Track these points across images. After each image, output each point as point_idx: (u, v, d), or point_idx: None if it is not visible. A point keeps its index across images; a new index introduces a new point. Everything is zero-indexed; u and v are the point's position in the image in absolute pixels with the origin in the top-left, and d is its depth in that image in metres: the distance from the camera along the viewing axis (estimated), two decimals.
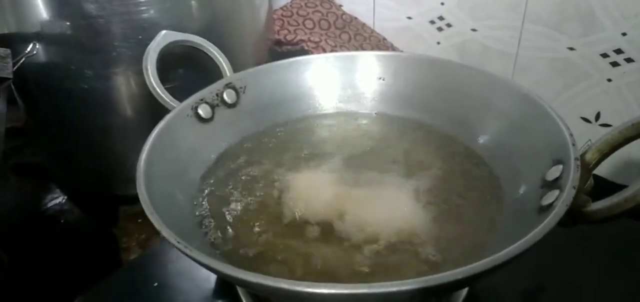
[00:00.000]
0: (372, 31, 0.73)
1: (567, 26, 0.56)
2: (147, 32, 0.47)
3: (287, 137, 0.47)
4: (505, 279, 0.35)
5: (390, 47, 0.71)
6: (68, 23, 0.47)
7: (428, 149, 0.44)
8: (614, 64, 0.54)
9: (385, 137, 0.46)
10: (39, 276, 0.49)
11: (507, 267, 0.26)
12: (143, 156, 0.36)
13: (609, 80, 0.55)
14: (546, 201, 0.32)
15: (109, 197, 0.57)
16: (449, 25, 0.66)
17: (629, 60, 0.53)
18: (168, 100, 0.44)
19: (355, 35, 0.71)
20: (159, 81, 0.45)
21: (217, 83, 0.47)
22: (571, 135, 0.34)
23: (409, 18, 0.69)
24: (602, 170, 0.52)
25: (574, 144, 0.33)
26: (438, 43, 0.68)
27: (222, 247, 0.35)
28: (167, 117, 0.41)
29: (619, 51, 0.53)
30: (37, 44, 0.48)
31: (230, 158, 0.44)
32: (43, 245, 0.54)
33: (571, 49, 0.57)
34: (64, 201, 0.60)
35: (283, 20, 0.70)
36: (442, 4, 0.65)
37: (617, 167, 0.55)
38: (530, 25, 0.59)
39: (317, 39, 0.67)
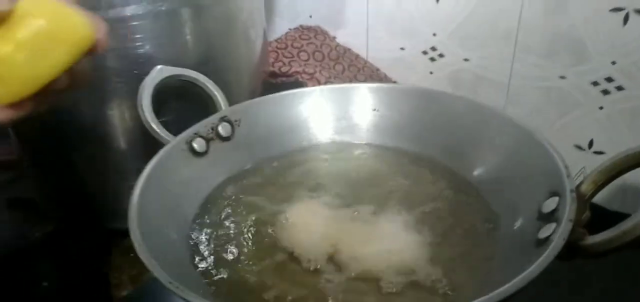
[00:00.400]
0: (366, 62, 0.73)
1: (557, 55, 0.57)
2: (143, 67, 0.47)
3: (282, 170, 0.47)
4: None
5: (384, 78, 0.72)
6: None
7: (423, 182, 0.44)
8: (605, 92, 0.55)
9: (381, 169, 0.46)
10: None
11: None
12: (136, 191, 0.36)
13: (601, 107, 0.56)
14: (543, 234, 0.32)
15: (101, 231, 0.57)
16: (441, 55, 0.67)
17: (619, 88, 0.54)
18: (163, 135, 0.44)
19: (349, 66, 0.72)
20: (153, 116, 0.45)
21: (212, 117, 0.47)
22: (566, 166, 0.34)
23: (402, 49, 0.70)
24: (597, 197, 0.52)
25: (569, 176, 0.33)
26: (431, 73, 0.68)
27: (217, 286, 0.34)
28: (161, 151, 0.41)
29: (609, 79, 0.54)
30: None
31: (225, 192, 0.44)
32: (32, 278, 0.52)
33: (562, 77, 0.57)
34: (54, 232, 0.59)
35: (278, 52, 0.70)
36: (435, 35, 0.66)
37: (613, 194, 0.55)
38: (522, 54, 0.59)
39: (311, 71, 0.67)
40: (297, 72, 0.67)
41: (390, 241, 0.36)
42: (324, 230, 0.38)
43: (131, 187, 0.36)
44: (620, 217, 0.30)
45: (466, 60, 0.64)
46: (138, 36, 0.47)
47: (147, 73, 0.46)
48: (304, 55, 0.71)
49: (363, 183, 0.44)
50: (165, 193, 0.39)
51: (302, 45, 0.72)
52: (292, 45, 0.71)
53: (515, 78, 0.61)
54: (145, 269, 0.29)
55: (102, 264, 0.54)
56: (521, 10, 0.58)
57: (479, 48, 0.63)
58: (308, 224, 0.38)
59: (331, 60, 0.72)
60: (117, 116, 0.49)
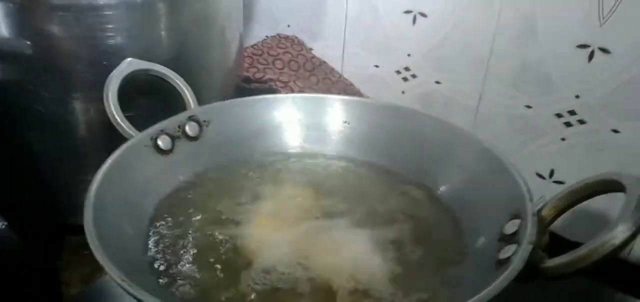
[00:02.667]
0: (340, 76, 0.74)
1: (525, 85, 0.58)
2: (112, 58, 0.45)
3: (248, 174, 0.46)
4: None
5: (357, 93, 0.73)
6: (29, 42, 0.45)
7: (389, 196, 0.44)
8: (568, 124, 0.57)
9: (348, 181, 0.46)
10: None
11: None
12: (94, 185, 0.34)
13: (563, 139, 0.58)
14: (504, 255, 0.32)
15: (54, 226, 0.54)
16: (414, 76, 0.68)
17: (581, 121, 0.56)
18: (127, 129, 0.43)
19: (323, 79, 0.72)
20: (119, 109, 0.43)
21: (180, 115, 0.46)
22: (529, 190, 0.35)
23: (376, 66, 0.71)
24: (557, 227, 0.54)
25: (531, 200, 0.34)
26: (403, 92, 0.69)
27: (172, 288, 0.33)
28: (124, 146, 0.40)
29: (572, 112, 0.56)
30: None
31: (188, 193, 0.43)
32: None
33: (528, 107, 0.59)
34: (3, 227, 0.56)
35: (253, 58, 0.70)
36: (409, 55, 0.67)
37: (575, 225, 0.57)
38: (492, 81, 0.61)
39: (286, 79, 0.67)
40: (271, 80, 0.66)
41: (351, 254, 0.36)
42: (285, 237, 0.37)
43: (90, 181, 0.35)
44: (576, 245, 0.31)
45: (438, 82, 0.66)
46: (110, 26, 0.46)
47: (116, 65, 0.45)
48: (279, 64, 0.70)
49: (328, 193, 0.44)
50: (125, 189, 0.38)
51: (278, 54, 0.71)
52: (268, 53, 0.71)
53: (483, 103, 0.62)
54: (98, 268, 0.28)
55: (52, 261, 0.52)
56: (493, 38, 0.59)
57: (451, 71, 0.64)
58: (269, 230, 0.38)
59: (306, 71, 0.72)
60: (80, 106, 0.47)
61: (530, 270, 0.30)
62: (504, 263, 0.31)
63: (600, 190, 0.31)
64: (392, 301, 0.33)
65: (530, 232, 0.31)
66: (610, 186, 0.30)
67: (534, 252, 0.30)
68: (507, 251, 0.32)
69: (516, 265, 0.29)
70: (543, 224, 0.33)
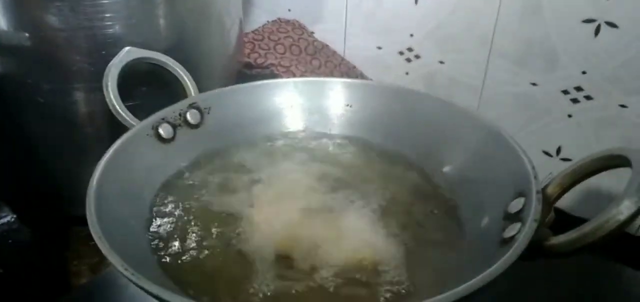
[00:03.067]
0: (343, 59, 0.73)
1: (530, 62, 0.58)
2: (111, 48, 0.45)
3: (250, 160, 0.46)
4: None
5: (360, 75, 0.72)
6: (27, 34, 0.45)
7: (393, 176, 0.43)
8: (574, 101, 0.56)
9: (350, 163, 0.46)
10: None
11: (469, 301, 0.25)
12: (95, 175, 0.34)
13: (570, 116, 0.57)
14: (508, 234, 0.32)
15: (61, 218, 0.54)
16: (417, 56, 0.67)
17: (588, 97, 0.55)
18: (128, 119, 0.43)
19: (325, 62, 0.71)
20: (119, 98, 0.43)
21: (180, 102, 0.45)
22: (533, 168, 0.34)
23: (379, 48, 0.70)
24: (565, 203, 0.53)
25: (536, 177, 0.33)
26: (406, 73, 0.69)
27: (176, 276, 0.33)
28: (125, 135, 0.39)
29: (578, 88, 0.55)
30: None
31: (190, 180, 0.42)
32: None
33: (534, 84, 0.58)
34: (13, 220, 0.56)
35: (254, 44, 0.69)
36: (412, 35, 0.66)
37: (580, 201, 0.56)
38: (496, 60, 0.60)
39: (287, 64, 0.66)
40: (273, 65, 0.66)
41: (355, 235, 0.36)
42: (286, 220, 0.37)
43: (92, 172, 0.35)
44: (582, 221, 0.30)
45: (441, 62, 0.65)
46: (107, 15, 0.45)
47: (115, 54, 0.44)
48: (280, 49, 0.70)
49: (331, 176, 0.43)
50: (127, 179, 0.37)
51: (279, 38, 0.71)
52: (269, 38, 0.70)
53: (488, 82, 0.62)
54: (105, 257, 0.28)
55: (60, 252, 0.52)
56: (497, 15, 0.58)
57: (454, 51, 0.63)
58: (270, 213, 0.38)
59: (308, 55, 0.71)
60: (81, 97, 0.47)
61: (535, 248, 0.29)
62: (508, 242, 0.31)
63: (606, 166, 0.31)
64: (396, 281, 0.33)
65: (534, 210, 0.30)
66: (615, 161, 0.30)
67: (539, 230, 0.29)
68: (511, 230, 0.32)
69: (521, 243, 0.28)
70: (548, 201, 0.33)
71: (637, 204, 0.25)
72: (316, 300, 0.31)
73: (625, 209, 0.25)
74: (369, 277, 0.33)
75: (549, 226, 0.32)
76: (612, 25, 0.51)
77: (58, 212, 0.55)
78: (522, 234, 0.29)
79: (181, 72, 0.48)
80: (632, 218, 0.25)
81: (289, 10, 0.77)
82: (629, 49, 0.51)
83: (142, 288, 0.26)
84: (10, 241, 0.54)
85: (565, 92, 0.56)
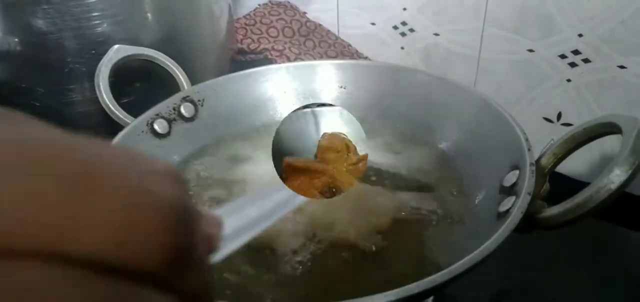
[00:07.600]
0: (337, 38, 0.72)
1: (526, 29, 0.56)
2: (101, 47, 0.45)
3: (246, 148, 0.46)
4: (471, 283, 0.35)
5: (355, 54, 0.71)
6: (17, 40, 0.45)
7: (390, 154, 0.43)
8: (572, 65, 0.55)
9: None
10: None
11: (466, 277, 0.25)
12: None
13: (569, 80, 0.56)
14: (503, 207, 0.32)
15: None
16: (412, 30, 0.66)
17: (586, 60, 0.54)
18: (122, 117, 0.43)
19: (319, 43, 0.70)
20: (111, 97, 0.43)
21: (173, 97, 0.45)
22: (527, 140, 0.34)
23: (373, 24, 0.69)
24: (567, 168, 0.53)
25: (529, 149, 0.33)
26: (402, 48, 0.68)
27: None
28: (120, 134, 0.40)
29: (576, 52, 0.54)
30: None
31: (188, 172, 0.43)
32: None
33: (531, 51, 0.57)
34: None
35: (246, 29, 0.68)
36: (405, 9, 0.65)
37: (581, 165, 0.56)
38: (491, 28, 0.59)
39: (281, 47, 0.66)
40: (266, 49, 0.65)
41: (357, 211, 0.36)
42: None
43: None
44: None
45: (436, 34, 0.64)
46: (94, 14, 0.45)
47: (105, 53, 0.44)
48: (273, 32, 0.69)
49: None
50: None
51: (271, 22, 0.70)
52: (261, 22, 0.70)
53: (485, 52, 0.61)
54: None
55: None
56: None
57: (449, 22, 0.62)
58: None
59: (301, 37, 0.70)
60: (75, 99, 0.47)
61: (530, 221, 0.29)
62: (503, 216, 0.31)
63: (598, 133, 0.30)
64: (388, 260, 0.33)
65: (528, 183, 0.30)
66: (607, 128, 0.30)
67: (533, 202, 0.29)
68: (506, 203, 0.32)
69: (514, 217, 0.28)
70: (542, 172, 0.32)
71: (628, 172, 0.25)
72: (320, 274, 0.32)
73: (615, 178, 0.25)
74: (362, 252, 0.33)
75: (544, 197, 0.32)
76: None
77: None
78: (515, 207, 0.29)
79: (172, 66, 0.48)
80: (623, 186, 0.25)
81: None
82: (626, 8, 0.49)
83: None
84: None
85: (563, 56, 0.55)
